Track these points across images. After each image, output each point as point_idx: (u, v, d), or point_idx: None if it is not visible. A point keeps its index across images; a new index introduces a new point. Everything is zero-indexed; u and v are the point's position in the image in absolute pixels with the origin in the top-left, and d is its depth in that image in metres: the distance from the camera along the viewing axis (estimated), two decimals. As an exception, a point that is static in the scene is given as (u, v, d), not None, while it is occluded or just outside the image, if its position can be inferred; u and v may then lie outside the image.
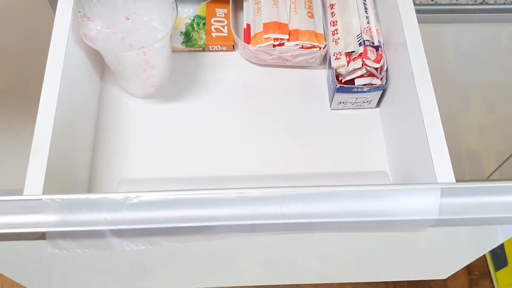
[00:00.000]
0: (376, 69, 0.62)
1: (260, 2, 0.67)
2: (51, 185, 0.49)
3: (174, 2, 0.58)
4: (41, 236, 0.37)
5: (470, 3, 0.65)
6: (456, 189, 0.38)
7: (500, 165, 1.20)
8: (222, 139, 0.64)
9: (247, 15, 0.69)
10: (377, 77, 0.62)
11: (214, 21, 0.70)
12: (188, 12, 0.70)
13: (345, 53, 0.62)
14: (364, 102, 0.65)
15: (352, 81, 0.63)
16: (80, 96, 0.60)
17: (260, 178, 0.55)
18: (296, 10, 0.67)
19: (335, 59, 0.62)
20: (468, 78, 0.87)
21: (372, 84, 0.63)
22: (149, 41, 0.56)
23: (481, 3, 0.66)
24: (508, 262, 1.26)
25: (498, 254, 1.30)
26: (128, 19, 0.56)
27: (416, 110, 0.54)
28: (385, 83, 0.62)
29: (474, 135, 1.16)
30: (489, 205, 0.38)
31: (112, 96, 0.67)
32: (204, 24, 0.70)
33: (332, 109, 0.67)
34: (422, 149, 0.52)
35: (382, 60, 0.61)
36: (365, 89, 0.63)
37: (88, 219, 0.36)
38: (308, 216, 0.37)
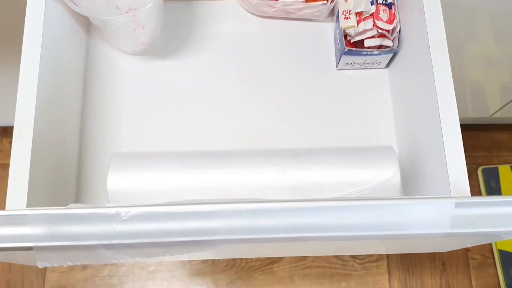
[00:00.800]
0: (388, 30, 0.56)
1: None
2: (38, 175, 0.46)
3: (164, -45, 0.51)
4: (30, 248, 0.35)
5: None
6: (470, 203, 0.35)
7: (505, 105, 1.17)
8: (218, 101, 0.60)
9: (247, -39, 0.62)
10: (389, 39, 0.57)
11: (211, -34, 0.63)
12: (181, -43, 0.63)
13: (356, 12, 0.56)
14: (373, 63, 0.60)
15: (361, 42, 0.58)
16: (65, 58, 0.55)
17: (258, 154, 0.51)
18: (302, -43, 0.60)
19: (344, 18, 0.57)
20: (477, 5, 0.80)
21: (383, 46, 0.58)
22: (138, 2, 0.50)
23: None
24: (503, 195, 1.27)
25: (494, 189, 1.31)
26: (113, -23, 0.50)
27: (429, 81, 0.50)
28: (397, 46, 0.57)
29: (481, 67, 1.11)
30: (502, 216, 0.36)
31: (100, 52, 0.62)
32: (199, -30, 0.63)
33: (338, 69, 0.62)
34: (432, 121, 0.49)
35: (395, 21, 0.56)
36: (375, 52, 0.58)
37: (78, 234, 0.34)
38: (318, 230, 0.35)
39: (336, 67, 0.62)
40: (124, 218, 0.33)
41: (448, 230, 0.35)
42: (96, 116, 0.59)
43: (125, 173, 0.46)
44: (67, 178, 0.55)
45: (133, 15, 0.51)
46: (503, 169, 1.26)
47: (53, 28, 0.51)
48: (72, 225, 0.34)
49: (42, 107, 0.48)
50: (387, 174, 0.48)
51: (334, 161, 0.49)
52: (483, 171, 1.25)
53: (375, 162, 0.49)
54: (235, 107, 0.61)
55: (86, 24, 0.61)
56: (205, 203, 0.34)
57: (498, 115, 1.22)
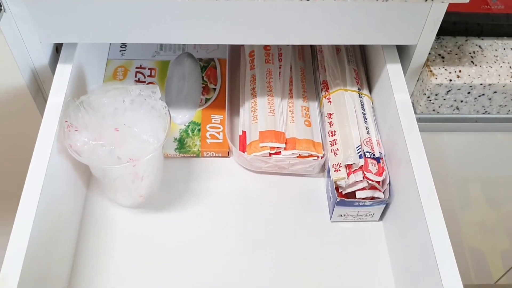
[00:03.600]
0: (378, 182, 0.58)
1: (256, 109, 0.66)
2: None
3: (167, 113, 0.56)
4: None
5: (472, 113, 0.63)
6: None
7: (508, 270, 1.14)
8: (213, 255, 0.59)
9: (243, 122, 0.67)
10: (380, 190, 0.59)
11: (209, 127, 0.68)
12: (183, 118, 0.68)
13: (345, 165, 0.59)
14: (366, 215, 0.61)
15: (353, 194, 0.59)
16: (62, 208, 0.56)
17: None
18: (293, 119, 0.65)
19: (335, 171, 0.59)
20: (468, 175, 0.83)
21: (374, 198, 0.59)
22: (139, 154, 0.53)
23: (483, 113, 0.64)
24: None
25: None
26: (117, 130, 0.54)
27: (424, 231, 0.50)
28: (388, 197, 0.59)
29: (478, 233, 1.11)
30: None
31: (97, 205, 0.63)
32: (199, 130, 0.67)
33: (332, 221, 0.63)
34: (429, 267, 0.48)
35: (384, 173, 0.58)
36: (367, 202, 0.59)
37: None
38: None
39: (330, 219, 0.62)
40: None
41: None
42: (87, 269, 0.58)
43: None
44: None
45: (133, 165, 0.53)
46: None
47: (55, 179, 0.53)
48: None
49: (31, 256, 0.47)
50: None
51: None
52: None
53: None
54: (231, 261, 0.59)
55: (87, 177, 0.64)
56: None
57: (503, 281, 1.19)
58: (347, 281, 0.58)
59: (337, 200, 0.58)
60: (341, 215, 0.61)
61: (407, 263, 0.55)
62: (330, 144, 0.62)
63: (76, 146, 0.53)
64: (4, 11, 0.52)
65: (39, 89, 0.63)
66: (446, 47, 0.63)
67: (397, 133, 0.56)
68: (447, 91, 0.60)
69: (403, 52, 0.62)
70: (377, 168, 0.58)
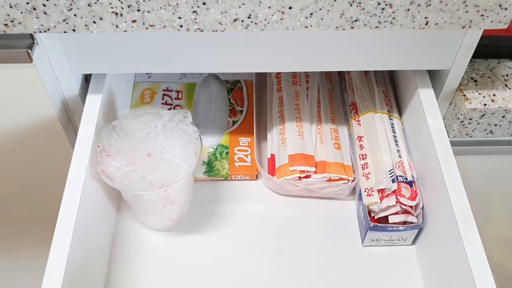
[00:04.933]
0: (411, 206, 0.57)
1: (285, 132, 0.65)
2: None
3: (198, 137, 0.56)
4: None
5: (505, 135, 0.62)
6: None
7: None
8: (243, 276, 0.59)
9: (271, 145, 0.67)
10: (413, 215, 0.58)
11: (237, 150, 0.68)
12: (211, 141, 0.68)
13: (378, 189, 0.58)
14: (399, 239, 0.60)
15: (385, 218, 0.59)
16: (95, 233, 0.56)
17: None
18: (322, 141, 0.65)
19: (367, 195, 0.58)
20: (496, 194, 0.82)
21: (407, 222, 0.58)
22: (171, 179, 0.53)
23: (517, 136, 0.63)
24: None
25: None
26: (150, 156, 0.54)
27: (462, 256, 0.49)
28: (422, 222, 0.58)
29: (501, 248, 1.08)
30: None
31: (127, 228, 0.63)
32: (227, 153, 0.67)
33: (364, 246, 0.62)
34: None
35: (418, 197, 0.57)
36: (401, 227, 0.58)
37: None
38: None
39: (362, 243, 0.61)
40: None
41: None
42: (117, 293, 0.57)
43: None
44: None
45: (165, 191, 0.53)
46: None
47: (88, 205, 0.53)
48: None
49: (68, 283, 0.47)
50: None
51: None
52: None
53: None
54: (260, 284, 0.59)
55: (117, 201, 0.64)
56: None
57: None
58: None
59: (370, 225, 0.57)
60: (373, 239, 0.60)
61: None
62: (361, 167, 0.61)
63: (109, 171, 0.53)
64: (37, 44, 0.52)
65: (69, 119, 0.63)
66: (478, 70, 0.63)
67: (431, 158, 0.56)
68: (482, 115, 0.59)
69: (435, 76, 0.61)
70: (410, 193, 0.57)
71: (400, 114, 0.67)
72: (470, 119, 0.59)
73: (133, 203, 0.58)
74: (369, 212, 0.59)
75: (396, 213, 0.58)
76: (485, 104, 0.58)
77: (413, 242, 0.61)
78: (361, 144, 0.63)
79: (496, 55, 0.63)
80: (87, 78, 0.62)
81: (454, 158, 0.54)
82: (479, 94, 0.59)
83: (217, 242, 0.62)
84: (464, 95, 0.59)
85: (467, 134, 0.60)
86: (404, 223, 0.58)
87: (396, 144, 0.61)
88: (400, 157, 0.60)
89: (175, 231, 0.63)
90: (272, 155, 0.66)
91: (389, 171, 0.58)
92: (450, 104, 0.61)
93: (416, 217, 0.58)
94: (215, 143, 0.68)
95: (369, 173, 0.60)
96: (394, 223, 0.58)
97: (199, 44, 0.54)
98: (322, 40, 0.54)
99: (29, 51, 0.50)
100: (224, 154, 0.67)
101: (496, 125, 0.60)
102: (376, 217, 0.59)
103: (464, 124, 0.59)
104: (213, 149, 0.68)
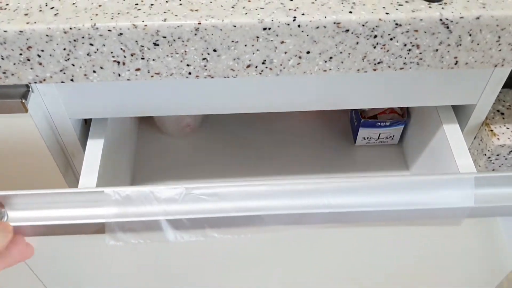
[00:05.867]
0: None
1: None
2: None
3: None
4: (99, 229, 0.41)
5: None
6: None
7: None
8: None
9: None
10: (398, 114, 0.67)
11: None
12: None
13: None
14: (387, 137, 0.70)
15: (374, 117, 0.68)
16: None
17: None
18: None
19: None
20: None
21: (394, 119, 0.68)
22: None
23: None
24: None
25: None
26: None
27: (443, 140, 0.56)
28: (406, 117, 0.67)
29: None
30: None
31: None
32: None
33: (356, 145, 0.71)
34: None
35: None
36: (388, 123, 0.68)
37: (146, 211, 0.40)
38: (351, 206, 0.41)
39: (354, 143, 0.71)
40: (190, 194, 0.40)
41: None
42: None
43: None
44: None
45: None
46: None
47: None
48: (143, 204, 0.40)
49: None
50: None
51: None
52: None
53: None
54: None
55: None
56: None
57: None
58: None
59: (361, 121, 0.67)
60: (364, 138, 0.70)
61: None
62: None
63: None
64: (32, 92, 0.46)
65: (68, 164, 0.58)
66: (504, 101, 0.56)
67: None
68: (510, 151, 0.56)
69: (459, 110, 0.56)
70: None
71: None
72: (498, 155, 0.56)
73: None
74: (361, 113, 0.68)
75: (384, 112, 0.67)
76: (513, 139, 0.55)
77: (400, 141, 0.71)
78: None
79: (524, 84, 0.54)
80: (86, 120, 0.56)
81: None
82: (507, 128, 0.55)
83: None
84: (491, 130, 0.55)
85: (493, 170, 0.58)
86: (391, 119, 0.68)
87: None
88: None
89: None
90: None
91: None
92: (474, 138, 0.58)
93: (401, 115, 0.67)
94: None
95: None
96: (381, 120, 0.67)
97: (209, 87, 0.50)
98: (340, 80, 0.50)
99: (23, 101, 0.46)
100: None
101: (524, 159, 0.57)
102: (366, 117, 0.68)
103: (491, 160, 0.56)
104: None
